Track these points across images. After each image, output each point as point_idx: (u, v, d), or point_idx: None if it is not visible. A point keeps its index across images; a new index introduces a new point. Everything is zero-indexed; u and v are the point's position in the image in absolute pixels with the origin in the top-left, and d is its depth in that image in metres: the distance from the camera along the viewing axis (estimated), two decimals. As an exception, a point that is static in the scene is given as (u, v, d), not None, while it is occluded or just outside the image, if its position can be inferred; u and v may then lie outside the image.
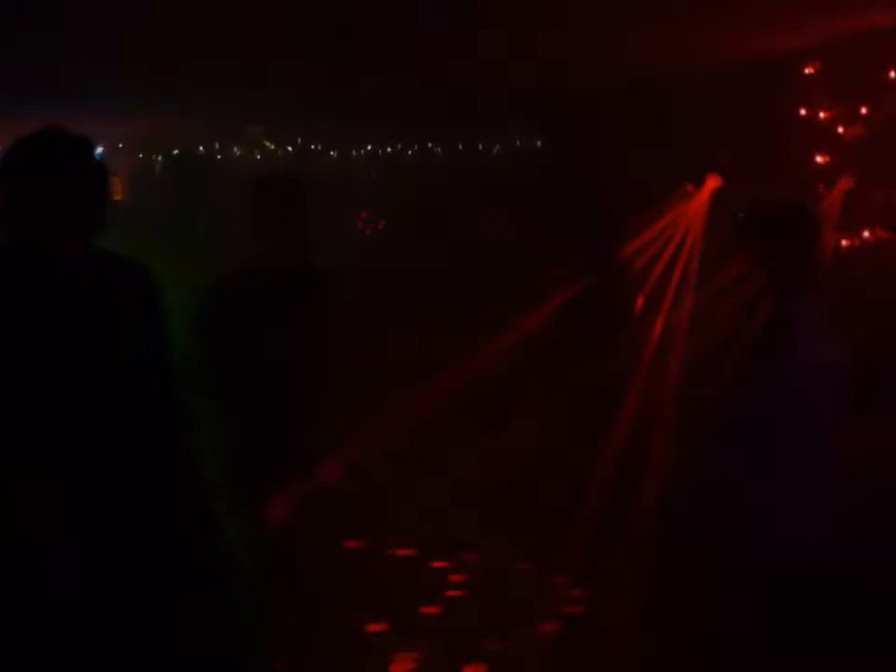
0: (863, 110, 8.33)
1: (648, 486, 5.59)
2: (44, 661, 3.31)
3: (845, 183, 8.22)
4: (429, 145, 13.96)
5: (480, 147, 13.62)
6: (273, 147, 13.51)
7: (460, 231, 11.69)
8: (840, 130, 8.59)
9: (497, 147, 13.55)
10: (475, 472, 8.19)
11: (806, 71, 8.84)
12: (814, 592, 3.98)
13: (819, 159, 8.67)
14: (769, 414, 3.92)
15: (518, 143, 13.38)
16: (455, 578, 7.39)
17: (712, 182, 8.45)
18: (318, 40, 7.94)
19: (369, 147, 13.84)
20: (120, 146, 13.19)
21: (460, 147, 13.63)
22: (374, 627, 6.59)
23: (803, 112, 8.91)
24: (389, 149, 13.94)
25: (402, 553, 7.82)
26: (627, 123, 10.25)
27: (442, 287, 10.40)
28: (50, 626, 3.32)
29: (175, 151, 13.63)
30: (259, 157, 13.52)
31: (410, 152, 13.98)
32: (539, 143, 12.81)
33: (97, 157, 3.65)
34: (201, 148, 13.58)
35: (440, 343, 8.03)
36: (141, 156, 13.61)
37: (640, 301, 6.80)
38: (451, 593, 7.17)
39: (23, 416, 3.32)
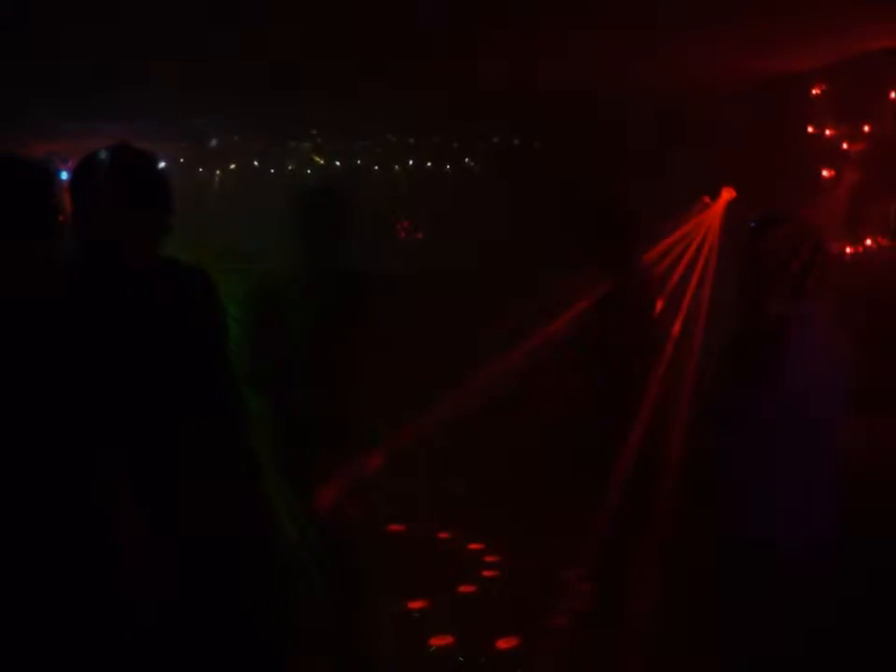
0: (866, 128, 8.32)
1: (663, 484, 5.56)
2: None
3: (849, 194, 8.22)
4: (466, 159, 13.96)
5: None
6: (322, 161, 13.54)
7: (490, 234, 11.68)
8: (844, 146, 8.58)
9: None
10: (505, 468, 8.26)
11: (814, 92, 8.84)
12: (813, 592, 3.93)
13: (824, 172, 8.66)
14: (771, 414, 3.89)
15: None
16: (489, 559, 7.40)
17: (727, 194, 8.43)
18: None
19: (410, 163, 13.84)
20: (182, 161, 13.27)
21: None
22: (415, 604, 6.62)
23: (810, 129, 8.91)
24: (429, 164, 13.93)
25: (441, 536, 7.83)
26: (651, 140, 10.27)
27: (473, 289, 10.37)
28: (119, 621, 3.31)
29: (232, 166, 13.69)
30: (309, 171, 13.55)
31: (448, 167, 13.98)
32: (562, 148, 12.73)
33: (161, 169, 3.68)
34: (255, 163, 13.63)
35: (470, 344, 8.04)
36: (201, 170, 13.67)
37: (659, 305, 6.78)
38: (486, 573, 7.18)
39: (99, 411, 3.34)
